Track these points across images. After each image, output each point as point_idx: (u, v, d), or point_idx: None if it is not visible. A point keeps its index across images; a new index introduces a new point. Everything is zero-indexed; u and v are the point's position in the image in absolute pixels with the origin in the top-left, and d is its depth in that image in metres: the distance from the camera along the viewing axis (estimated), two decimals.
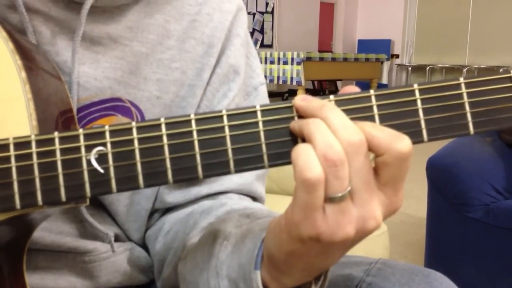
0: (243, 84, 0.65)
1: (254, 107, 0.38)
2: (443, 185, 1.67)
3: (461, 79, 0.37)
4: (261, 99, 0.67)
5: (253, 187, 0.63)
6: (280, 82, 5.87)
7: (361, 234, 0.36)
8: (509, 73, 0.37)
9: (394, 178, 0.36)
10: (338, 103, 0.37)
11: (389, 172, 0.36)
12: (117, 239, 0.61)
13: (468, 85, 0.37)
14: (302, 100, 0.37)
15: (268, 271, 0.42)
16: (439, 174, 1.69)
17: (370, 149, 0.35)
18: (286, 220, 0.37)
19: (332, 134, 0.35)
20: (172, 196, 0.61)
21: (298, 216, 0.36)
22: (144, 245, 0.65)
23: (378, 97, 0.37)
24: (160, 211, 0.63)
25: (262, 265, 0.42)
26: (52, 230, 0.56)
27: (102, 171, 0.37)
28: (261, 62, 5.86)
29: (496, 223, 1.53)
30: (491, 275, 1.59)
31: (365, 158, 0.35)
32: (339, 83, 8.02)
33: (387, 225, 1.49)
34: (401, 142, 0.35)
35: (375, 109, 0.37)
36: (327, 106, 0.36)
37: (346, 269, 0.61)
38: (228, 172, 0.37)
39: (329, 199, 0.35)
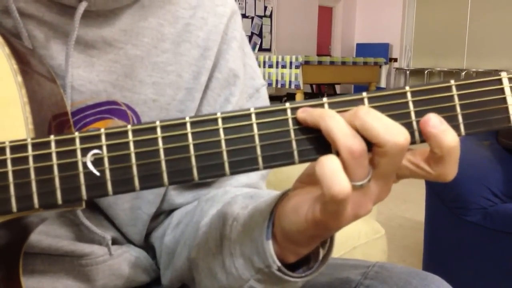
0: (244, 86, 0.65)
1: (249, 109, 0.38)
2: (441, 189, 1.67)
3: (452, 82, 0.38)
4: (262, 101, 0.68)
5: (258, 186, 0.64)
6: (279, 86, 5.89)
7: (376, 203, 0.39)
8: (499, 75, 0.38)
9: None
10: (331, 105, 0.38)
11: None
12: (114, 242, 0.61)
13: (459, 87, 0.38)
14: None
15: (283, 246, 0.43)
16: None
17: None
18: (312, 216, 0.39)
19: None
20: (183, 197, 0.62)
21: (325, 217, 0.38)
22: (144, 247, 0.65)
23: (370, 99, 0.38)
24: (166, 212, 0.64)
25: (276, 240, 0.44)
26: (49, 234, 0.56)
27: (98, 174, 0.37)
28: (259, 66, 5.88)
29: (494, 227, 1.53)
30: (489, 279, 1.59)
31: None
32: (337, 87, 8.04)
33: (385, 228, 1.49)
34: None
35: None
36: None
37: (343, 272, 0.61)
38: (223, 174, 0.37)
39: (353, 187, 0.36)
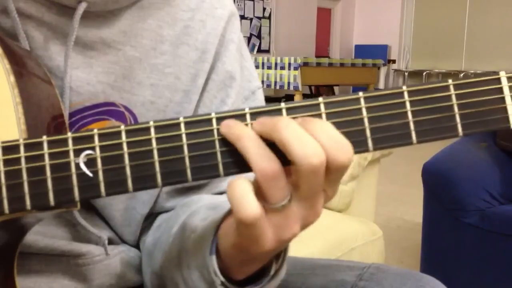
0: (240, 88, 0.65)
1: (243, 109, 0.37)
2: (439, 191, 1.67)
3: (450, 81, 0.37)
4: (258, 103, 0.67)
5: None
6: (277, 87, 5.88)
7: (305, 227, 0.38)
8: (498, 75, 0.37)
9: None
10: (327, 105, 0.37)
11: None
12: (110, 242, 0.61)
13: (456, 87, 0.37)
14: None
15: (229, 264, 0.43)
16: (435, 180, 1.69)
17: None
18: (236, 241, 0.38)
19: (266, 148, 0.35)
20: (173, 201, 0.62)
21: (243, 241, 0.37)
22: (138, 247, 0.65)
23: (367, 99, 0.37)
24: (156, 214, 0.64)
25: (221, 257, 0.43)
26: (46, 234, 0.56)
27: (91, 175, 0.37)
28: (258, 67, 5.88)
29: (491, 229, 1.54)
30: (486, 280, 1.59)
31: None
32: (336, 88, 8.04)
33: (383, 230, 1.49)
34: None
35: (364, 111, 0.37)
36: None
37: (339, 273, 0.61)
38: (217, 175, 0.37)
39: (271, 210, 0.35)
